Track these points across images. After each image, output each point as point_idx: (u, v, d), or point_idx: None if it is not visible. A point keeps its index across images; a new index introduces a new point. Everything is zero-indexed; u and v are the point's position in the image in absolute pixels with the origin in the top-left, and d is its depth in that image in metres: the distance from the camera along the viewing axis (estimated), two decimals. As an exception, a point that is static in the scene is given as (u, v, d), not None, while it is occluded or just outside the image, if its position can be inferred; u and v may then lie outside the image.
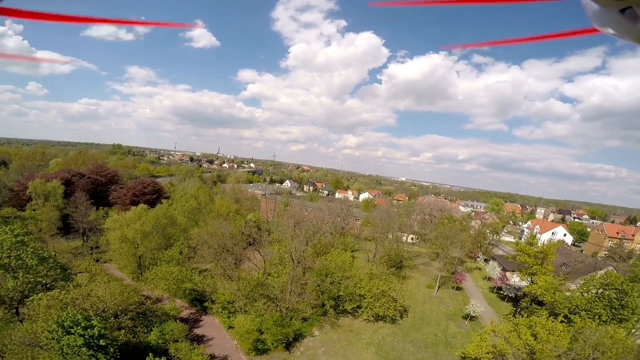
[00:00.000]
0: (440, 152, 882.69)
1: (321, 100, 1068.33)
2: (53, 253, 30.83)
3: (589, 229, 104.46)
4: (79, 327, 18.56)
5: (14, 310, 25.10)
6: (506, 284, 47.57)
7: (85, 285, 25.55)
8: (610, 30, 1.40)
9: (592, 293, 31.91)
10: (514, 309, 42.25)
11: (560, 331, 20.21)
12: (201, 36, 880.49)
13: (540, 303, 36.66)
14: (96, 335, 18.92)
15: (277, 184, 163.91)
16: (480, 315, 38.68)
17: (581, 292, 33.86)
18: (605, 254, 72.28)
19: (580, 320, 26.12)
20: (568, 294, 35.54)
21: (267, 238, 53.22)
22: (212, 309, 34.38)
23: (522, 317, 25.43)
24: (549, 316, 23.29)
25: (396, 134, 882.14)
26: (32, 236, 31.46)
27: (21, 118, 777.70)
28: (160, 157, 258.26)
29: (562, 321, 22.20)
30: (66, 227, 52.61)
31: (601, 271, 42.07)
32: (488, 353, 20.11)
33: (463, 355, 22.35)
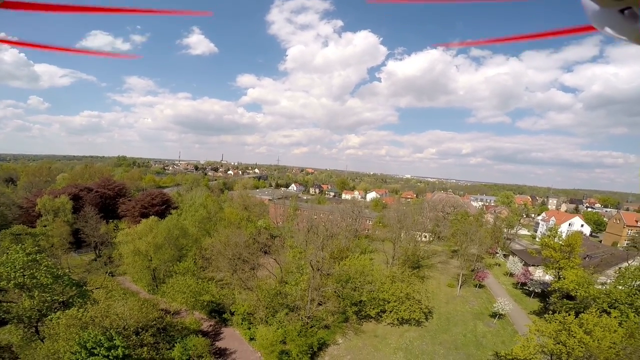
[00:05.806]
0: (444, 147, 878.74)
1: (322, 101, 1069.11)
2: (67, 269, 29.99)
3: (605, 219, 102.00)
4: (102, 348, 17.62)
5: (34, 329, 24.40)
6: (530, 279, 46.00)
7: (103, 302, 24.63)
8: (610, 31, 1.39)
9: (630, 285, 30.32)
10: (542, 304, 40.64)
11: (616, 327, 18.89)
12: (199, 43, 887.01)
13: (571, 298, 35.10)
14: (120, 356, 17.95)
15: (283, 188, 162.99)
16: (508, 313, 37.13)
17: (616, 285, 32.28)
18: (627, 244, 70.09)
19: (620, 315, 24.81)
20: (599, 287, 33.96)
21: (281, 244, 52.16)
22: (231, 320, 33.31)
23: (558, 313, 24.10)
24: (582, 311, 21.90)
25: (398, 131, 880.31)
26: (44, 253, 30.69)
27: (25, 133, 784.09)
28: (165, 168, 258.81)
29: (600, 316, 20.86)
30: (78, 242, 52.14)
31: (632, 261, 40.41)
32: (538, 353, 18.80)
33: (510, 357, 20.98)
